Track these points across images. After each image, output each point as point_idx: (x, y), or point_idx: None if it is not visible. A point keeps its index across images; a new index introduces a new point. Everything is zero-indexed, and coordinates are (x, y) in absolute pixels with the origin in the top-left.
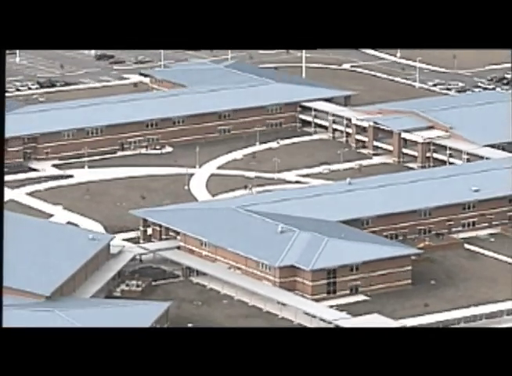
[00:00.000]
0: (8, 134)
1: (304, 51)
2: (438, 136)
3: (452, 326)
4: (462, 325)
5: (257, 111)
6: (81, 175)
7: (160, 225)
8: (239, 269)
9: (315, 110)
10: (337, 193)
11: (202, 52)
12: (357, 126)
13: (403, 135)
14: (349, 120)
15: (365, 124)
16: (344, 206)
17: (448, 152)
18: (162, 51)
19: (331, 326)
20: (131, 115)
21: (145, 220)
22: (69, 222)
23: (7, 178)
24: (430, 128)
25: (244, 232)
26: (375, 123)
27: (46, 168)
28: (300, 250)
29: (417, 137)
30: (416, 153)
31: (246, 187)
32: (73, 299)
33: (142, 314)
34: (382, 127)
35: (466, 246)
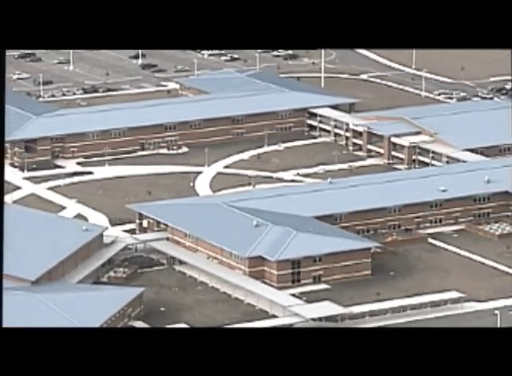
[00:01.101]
0: (38, 134)
1: (323, 61)
2: (423, 141)
3: (398, 313)
4: (408, 311)
5: (268, 116)
6: (100, 172)
7: (153, 219)
8: (215, 258)
9: (320, 115)
10: (316, 191)
11: (236, 62)
12: (354, 131)
13: (392, 139)
14: (348, 125)
15: (360, 129)
16: (321, 203)
17: (430, 155)
18: (195, 60)
19: (287, 311)
20: (152, 118)
21: (140, 214)
22: (78, 214)
23: (34, 174)
24: (417, 133)
25: (223, 225)
26: (368, 128)
27: (70, 165)
28: (270, 242)
29: (404, 141)
30: (403, 156)
31: (250, 184)
32: (57, 284)
33: (116, 298)
34: (374, 132)
35: (431, 241)
